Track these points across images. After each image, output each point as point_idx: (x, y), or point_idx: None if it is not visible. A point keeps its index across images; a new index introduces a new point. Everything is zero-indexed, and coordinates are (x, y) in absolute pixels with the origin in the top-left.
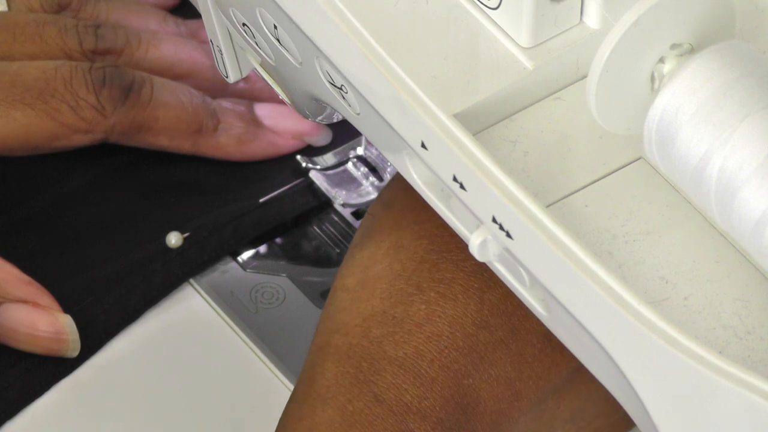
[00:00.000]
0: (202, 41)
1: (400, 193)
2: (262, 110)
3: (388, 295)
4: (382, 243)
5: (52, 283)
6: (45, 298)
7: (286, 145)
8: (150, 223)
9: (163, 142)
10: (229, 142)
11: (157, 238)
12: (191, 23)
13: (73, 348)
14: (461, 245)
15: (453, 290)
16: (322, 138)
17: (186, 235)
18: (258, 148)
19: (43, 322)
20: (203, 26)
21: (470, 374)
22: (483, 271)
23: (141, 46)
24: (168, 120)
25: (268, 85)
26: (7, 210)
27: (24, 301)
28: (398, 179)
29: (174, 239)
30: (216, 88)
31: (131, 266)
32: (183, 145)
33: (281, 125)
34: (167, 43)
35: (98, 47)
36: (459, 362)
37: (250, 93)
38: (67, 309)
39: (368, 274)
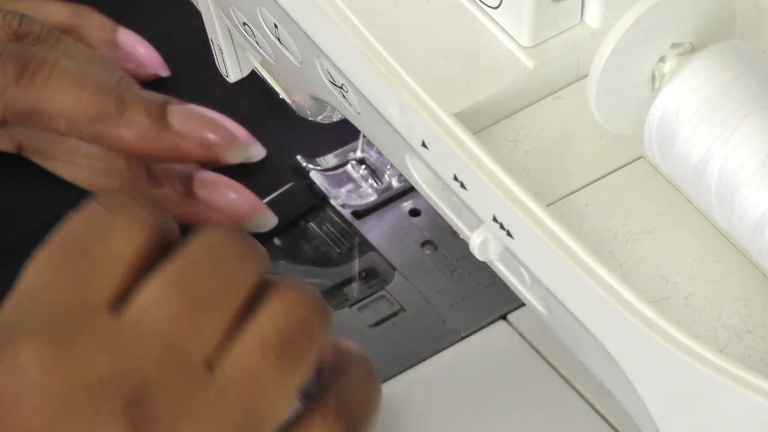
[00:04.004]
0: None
1: None
2: (175, 113)
3: None
4: None
5: None
6: None
7: (191, 151)
8: None
9: (60, 126)
10: (129, 135)
11: None
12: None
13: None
14: None
15: None
16: (237, 154)
17: None
18: (159, 148)
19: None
20: None
21: None
22: None
23: (60, 44)
24: (65, 104)
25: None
26: None
27: None
28: None
29: None
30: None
31: None
32: (82, 131)
33: (188, 129)
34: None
35: (20, 30)
36: None
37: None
38: None
39: None
